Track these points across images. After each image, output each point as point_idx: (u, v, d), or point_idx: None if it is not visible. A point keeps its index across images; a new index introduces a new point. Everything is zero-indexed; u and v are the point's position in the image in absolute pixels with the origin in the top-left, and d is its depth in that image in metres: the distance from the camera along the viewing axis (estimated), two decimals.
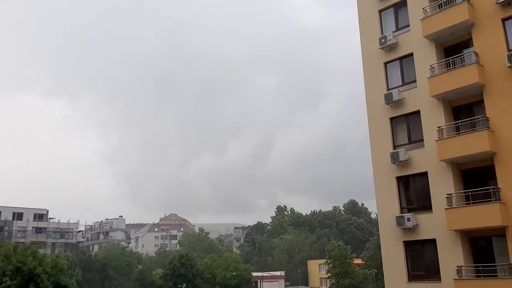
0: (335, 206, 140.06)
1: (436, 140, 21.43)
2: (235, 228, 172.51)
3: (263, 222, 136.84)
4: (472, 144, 20.27)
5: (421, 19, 22.96)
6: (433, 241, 21.36)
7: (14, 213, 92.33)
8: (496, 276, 19.30)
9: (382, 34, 25.02)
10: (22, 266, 28.80)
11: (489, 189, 19.82)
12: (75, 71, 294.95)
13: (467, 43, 22.17)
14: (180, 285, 65.25)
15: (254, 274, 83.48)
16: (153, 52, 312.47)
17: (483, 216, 19.48)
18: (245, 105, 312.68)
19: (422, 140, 22.50)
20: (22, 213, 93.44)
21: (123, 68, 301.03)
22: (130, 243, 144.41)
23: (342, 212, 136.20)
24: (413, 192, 23.23)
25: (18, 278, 28.31)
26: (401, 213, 22.64)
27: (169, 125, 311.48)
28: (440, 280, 20.70)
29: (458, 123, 21.48)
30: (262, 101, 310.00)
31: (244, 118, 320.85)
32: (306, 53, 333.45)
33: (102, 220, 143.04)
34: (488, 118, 20.38)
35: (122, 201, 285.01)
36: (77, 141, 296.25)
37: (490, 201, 19.55)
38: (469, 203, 20.27)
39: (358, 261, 73.96)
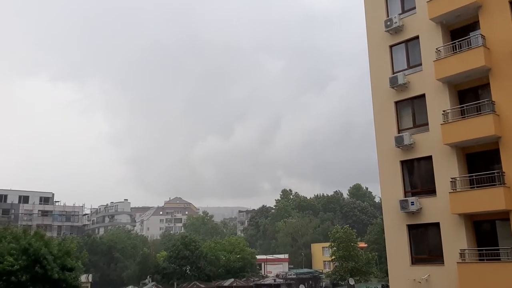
0: (337, 191, 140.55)
1: (441, 124, 21.33)
2: (239, 211, 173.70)
3: (267, 206, 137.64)
4: (477, 128, 20.17)
5: (427, 1, 22.65)
6: (436, 225, 21.43)
7: (20, 197, 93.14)
8: (499, 259, 19.38)
9: (388, 16, 24.75)
10: (29, 247, 29.13)
11: (493, 173, 19.78)
12: (82, 55, 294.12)
13: (473, 25, 21.90)
14: (184, 267, 65.90)
15: (258, 257, 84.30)
16: (160, 36, 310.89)
17: (487, 200, 19.48)
18: (252, 89, 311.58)
19: (427, 124, 22.40)
20: (28, 197, 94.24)
21: (130, 52, 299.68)
22: (135, 226, 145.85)
23: (347, 196, 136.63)
24: (417, 176, 23.20)
25: (23, 258, 28.64)
26: (405, 197, 22.67)
27: (175, 109, 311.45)
28: (443, 263, 20.82)
29: (463, 106, 21.35)
30: (269, 84, 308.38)
31: (251, 102, 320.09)
32: (314, 37, 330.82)
33: (107, 204, 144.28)
34: (494, 101, 20.23)
35: (127, 185, 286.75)
36: (84, 125, 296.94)
37: (494, 185, 19.52)
38: (473, 187, 20.27)
39: (361, 244, 74.44)
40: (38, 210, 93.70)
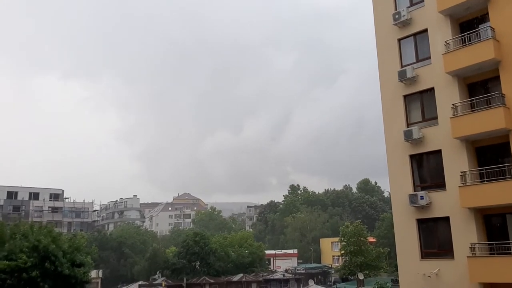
0: (346, 185, 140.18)
1: (450, 118, 21.17)
2: (248, 207, 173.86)
3: (275, 201, 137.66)
4: (487, 121, 20.01)
5: None
6: (446, 219, 21.31)
7: (30, 193, 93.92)
8: (510, 253, 19.23)
9: (396, 9, 24.54)
10: (38, 244, 29.33)
11: (504, 166, 19.66)
12: (94, 53, 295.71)
13: (483, 18, 21.71)
14: (194, 263, 66.25)
15: (267, 252, 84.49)
16: (170, 34, 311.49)
17: (498, 193, 19.36)
18: (262, 85, 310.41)
19: (436, 118, 22.25)
20: (38, 193, 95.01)
21: (141, 49, 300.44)
22: (144, 222, 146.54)
23: (356, 190, 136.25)
24: (427, 170, 23.09)
25: (35, 255, 28.86)
26: (414, 191, 22.56)
27: (186, 106, 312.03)
28: (453, 258, 20.73)
29: (473, 100, 21.16)
30: (279, 80, 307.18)
31: (261, 98, 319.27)
32: (323, 32, 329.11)
33: (116, 200, 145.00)
34: (504, 94, 20.06)
35: (137, 181, 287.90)
36: (95, 122, 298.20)
37: (505, 178, 19.40)
38: (484, 181, 20.15)
39: (371, 239, 74.32)
40: (48, 207, 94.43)
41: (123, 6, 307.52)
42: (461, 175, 20.63)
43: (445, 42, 21.99)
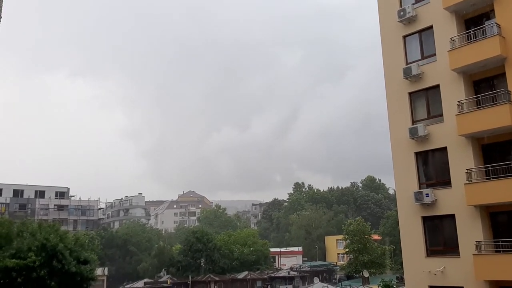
0: (353, 182, 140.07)
1: (456, 115, 21.08)
2: (253, 204, 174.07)
3: (280, 199, 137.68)
4: (493, 118, 19.91)
5: None
6: (452, 217, 21.24)
7: (36, 191, 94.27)
8: None
9: (401, 6, 24.45)
10: (46, 242, 29.47)
11: (509, 163, 19.56)
12: (101, 51, 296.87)
13: (488, 14, 21.58)
14: (198, 260, 66.44)
15: (272, 249, 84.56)
16: (178, 33, 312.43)
17: (504, 191, 19.26)
18: (268, 82, 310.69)
19: (442, 115, 22.15)
20: (44, 191, 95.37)
21: (149, 48, 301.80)
22: (149, 219, 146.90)
23: (360, 189, 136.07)
24: (432, 167, 22.99)
25: (43, 255, 29.01)
26: (420, 188, 22.49)
27: (192, 103, 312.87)
28: (459, 255, 20.66)
29: (478, 97, 21.06)
30: (286, 77, 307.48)
31: (267, 95, 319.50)
32: (330, 29, 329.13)
33: (122, 198, 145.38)
34: (510, 91, 19.95)
35: (142, 179, 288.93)
36: (101, 120, 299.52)
37: (511, 175, 19.29)
38: (489, 178, 20.07)
39: (375, 236, 74.24)
40: (54, 205, 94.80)
41: (132, 6, 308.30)
42: (466, 173, 20.55)
43: (451, 39, 21.88)
